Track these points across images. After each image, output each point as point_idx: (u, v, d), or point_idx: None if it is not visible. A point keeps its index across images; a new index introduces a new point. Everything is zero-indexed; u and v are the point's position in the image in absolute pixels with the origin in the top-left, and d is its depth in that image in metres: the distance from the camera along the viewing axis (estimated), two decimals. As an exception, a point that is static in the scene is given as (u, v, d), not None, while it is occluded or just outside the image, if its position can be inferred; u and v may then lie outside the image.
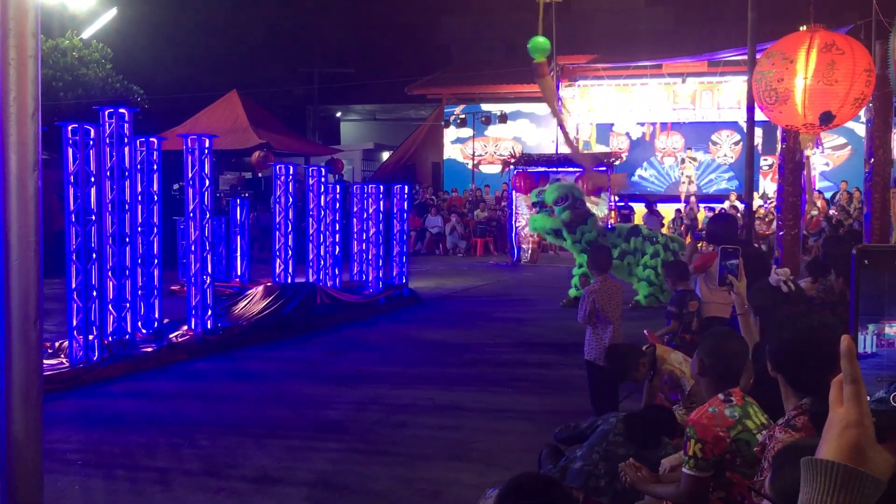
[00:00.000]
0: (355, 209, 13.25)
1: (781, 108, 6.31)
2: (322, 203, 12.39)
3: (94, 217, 7.95)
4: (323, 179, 12.58)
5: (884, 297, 0.94)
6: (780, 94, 6.25)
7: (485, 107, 26.79)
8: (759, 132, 17.31)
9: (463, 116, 26.42)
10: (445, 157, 28.29)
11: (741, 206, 17.80)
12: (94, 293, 7.95)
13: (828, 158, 23.30)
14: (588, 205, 14.19)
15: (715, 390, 3.25)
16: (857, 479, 0.90)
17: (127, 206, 8.81)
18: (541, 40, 11.14)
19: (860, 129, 19.40)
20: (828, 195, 22.12)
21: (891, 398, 0.94)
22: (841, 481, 0.90)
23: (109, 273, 8.51)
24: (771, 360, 2.72)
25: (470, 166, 26.02)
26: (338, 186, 13.35)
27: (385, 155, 32.00)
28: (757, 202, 17.75)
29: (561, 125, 15.95)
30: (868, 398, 0.94)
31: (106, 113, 8.60)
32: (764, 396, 3.19)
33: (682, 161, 24.41)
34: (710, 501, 3.18)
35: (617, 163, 23.99)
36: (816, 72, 6.18)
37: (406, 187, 14.23)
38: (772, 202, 17.78)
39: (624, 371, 5.28)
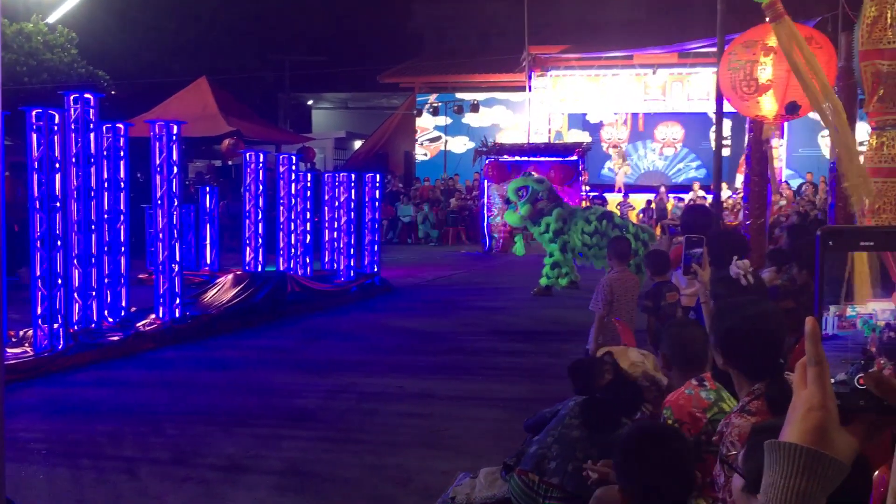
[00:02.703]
0: (327, 197, 13.19)
1: (759, 99, 6.33)
2: (293, 191, 12.31)
3: (58, 204, 7.82)
4: (294, 167, 12.49)
5: (848, 278, 0.94)
6: (760, 85, 6.26)
7: (457, 96, 26.75)
8: (727, 123, 17.45)
9: (436, 105, 26.36)
10: (420, 158, 28.19)
11: (708, 196, 17.97)
12: (59, 281, 7.83)
13: None
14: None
15: (685, 378, 3.29)
16: (819, 462, 0.90)
17: (93, 193, 8.67)
18: None
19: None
20: (795, 185, 22.41)
21: (855, 380, 0.94)
22: (804, 464, 0.90)
23: (75, 261, 8.38)
24: (719, 350, 2.78)
25: None
26: (309, 174, 13.27)
27: (357, 143, 31.84)
28: (725, 193, 17.93)
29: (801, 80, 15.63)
30: (832, 380, 0.94)
31: (71, 98, 8.45)
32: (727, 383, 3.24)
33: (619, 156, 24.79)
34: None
35: (620, 152, 24.03)
36: (802, 62, 6.20)
37: (378, 176, 14.17)
38: (740, 193, 17.96)
39: (591, 384, 5.15)
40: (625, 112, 25.20)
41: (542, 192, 12.69)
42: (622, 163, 24.70)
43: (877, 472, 2.40)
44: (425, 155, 27.66)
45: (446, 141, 26.85)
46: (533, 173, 14.62)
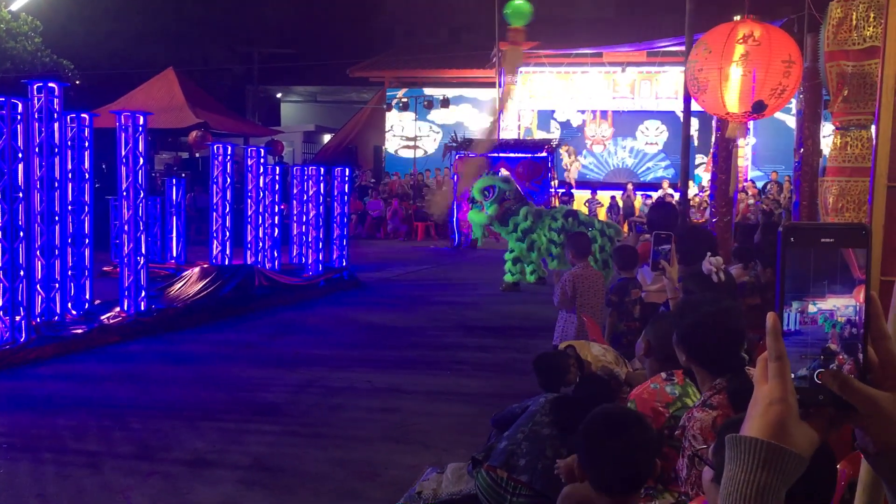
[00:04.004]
0: (295, 191, 13.11)
1: (704, 97, 6.47)
2: (261, 184, 12.22)
3: (21, 194, 7.69)
4: (262, 160, 12.40)
5: (808, 274, 0.95)
6: (700, 84, 6.41)
7: (427, 91, 26.69)
8: (694, 122, 17.62)
9: (406, 100, 26.28)
10: (390, 149, 28.04)
11: (675, 194, 18.15)
12: (22, 273, 7.70)
13: None
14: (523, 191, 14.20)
15: (659, 370, 3.33)
16: (780, 456, 0.91)
17: (57, 184, 8.54)
18: (519, 2, 9.94)
19: (790, 121, 19.93)
20: (760, 184, 22.71)
21: (814, 375, 0.95)
22: (764, 458, 0.91)
23: (38, 252, 8.25)
24: (681, 347, 2.83)
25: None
26: (277, 168, 13.18)
27: (326, 137, 31.69)
28: (692, 190, 18.13)
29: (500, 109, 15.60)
30: (792, 375, 0.95)
31: (34, 87, 8.31)
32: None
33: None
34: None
35: (569, 150, 24.08)
36: (730, 61, 6.34)
37: (347, 170, 14.12)
38: (706, 191, 18.16)
39: (558, 379, 5.12)
40: (592, 110, 25.33)
41: (509, 192, 12.68)
42: (573, 159, 24.88)
43: (838, 466, 2.44)
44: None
45: (415, 137, 26.77)
46: (503, 171, 14.54)
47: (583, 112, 25.50)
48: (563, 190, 22.10)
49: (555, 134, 25.11)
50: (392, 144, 27.88)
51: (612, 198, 22.80)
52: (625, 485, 2.55)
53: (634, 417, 2.70)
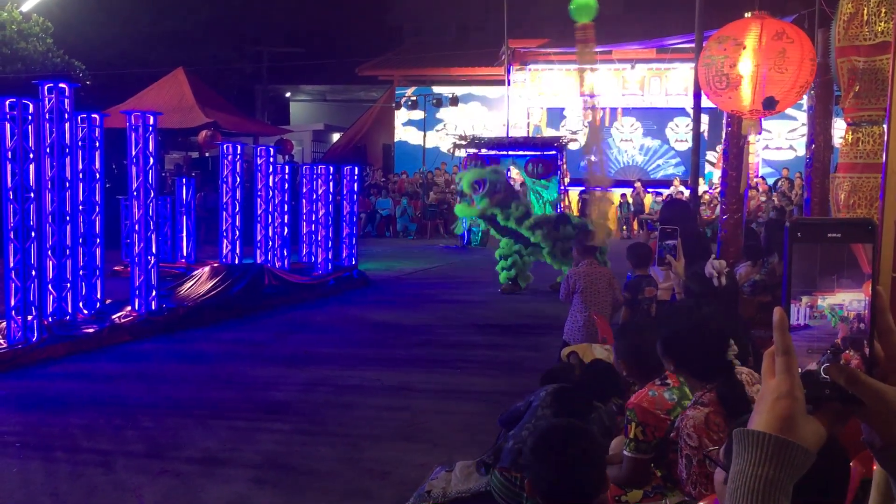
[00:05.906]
0: (304, 190, 13.14)
1: (731, 94, 6.38)
2: (270, 183, 12.25)
3: (32, 195, 7.74)
4: (271, 160, 12.42)
5: (815, 269, 0.95)
6: (731, 80, 6.32)
7: (436, 89, 26.68)
8: (705, 118, 17.55)
9: (414, 98, 26.28)
10: (398, 139, 28.09)
11: (686, 192, 18.08)
12: (34, 273, 7.75)
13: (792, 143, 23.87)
14: (517, 185, 13.83)
15: (648, 380, 3.33)
16: (787, 450, 0.91)
17: (68, 184, 8.58)
18: None
19: (801, 117, 19.84)
20: (770, 181, 22.60)
21: (821, 370, 0.95)
22: (772, 452, 0.91)
23: (49, 252, 8.29)
24: (667, 357, 2.83)
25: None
26: (287, 167, 13.20)
27: (335, 136, 31.70)
28: (702, 187, 18.06)
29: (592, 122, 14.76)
30: (799, 370, 0.95)
31: (45, 88, 8.35)
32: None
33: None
34: (652, 479, 3.26)
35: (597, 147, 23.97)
36: (768, 59, 6.25)
37: (356, 169, 14.13)
38: (717, 188, 18.09)
39: None
40: (603, 107, 25.24)
41: (500, 185, 12.24)
42: None
43: (850, 464, 2.43)
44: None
45: (424, 135, 26.75)
46: (510, 165, 13.93)
47: (595, 108, 25.40)
48: (582, 188, 21.94)
49: (583, 131, 25.02)
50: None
51: (623, 195, 22.72)
52: (571, 498, 2.55)
53: (580, 431, 2.68)
